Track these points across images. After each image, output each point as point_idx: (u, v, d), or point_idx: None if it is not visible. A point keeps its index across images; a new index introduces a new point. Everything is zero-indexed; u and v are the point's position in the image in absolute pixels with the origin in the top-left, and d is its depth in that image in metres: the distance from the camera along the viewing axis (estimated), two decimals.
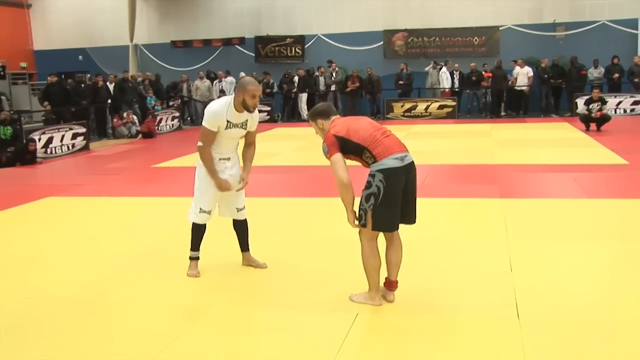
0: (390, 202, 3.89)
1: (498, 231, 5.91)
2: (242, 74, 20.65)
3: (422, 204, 6.70)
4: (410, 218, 4.11)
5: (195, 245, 4.90)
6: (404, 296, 4.20)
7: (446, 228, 6.09)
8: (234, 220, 4.97)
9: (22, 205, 7.98)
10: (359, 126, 4.04)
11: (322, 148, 4.09)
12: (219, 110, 4.55)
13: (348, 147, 3.99)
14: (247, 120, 4.69)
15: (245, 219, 4.98)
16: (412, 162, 4.00)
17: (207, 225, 4.90)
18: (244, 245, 5.06)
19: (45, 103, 16.12)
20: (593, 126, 14.06)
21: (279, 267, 5.01)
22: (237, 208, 4.88)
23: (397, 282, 4.16)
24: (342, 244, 5.26)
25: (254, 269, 4.99)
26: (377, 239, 4.07)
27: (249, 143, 4.92)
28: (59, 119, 15.63)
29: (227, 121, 4.58)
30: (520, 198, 7.39)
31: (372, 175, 3.92)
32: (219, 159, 4.73)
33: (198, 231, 4.87)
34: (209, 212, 4.80)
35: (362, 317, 3.95)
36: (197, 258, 4.93)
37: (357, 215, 4.03)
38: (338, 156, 3.98)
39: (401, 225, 4.08)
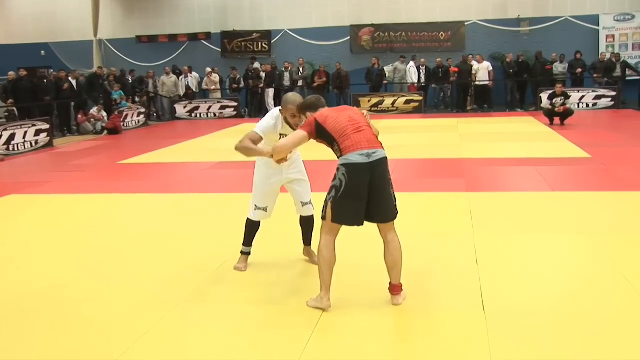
0: (350, 196, 3.85)
1: (464, 224, 5.98)
2: (208, 69, 20.58)
3: None
4: (383, 217, 4.01)
5: (247, 240, 4.89)
6: (370, 289, 4.22)
7: (412, 222, 6.12)
8: (300, 216, 4.91)
9: None
10: (337, 116, 4.02)
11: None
12: (274, 124, 4.50)
13: (323, 134, 3.98)
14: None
15: (312, 215, 4.86)
16: (382, 158, 3.91)
17: (260, 223, 4.87)
18: (307, 240, 5.01)
19: (10, 101, 15.78)
20: (557, 120, 14.30)
21: (250, 263, 4.99)
22: (302, 202, 4.81)
23: (400, 286, 4.03)
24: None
25: (217, 262, 4.99)
26: (335, 235, 3.99)
27: None
28: (25, 116, 15.31)
29: (280, 134, 4.54)
30: (485, 192, 7.48)
31: (337, 169, 3.91)
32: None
33: (251, 227, 4.86)
34: (264, 209, 4.77)
35: (328, 314, 3.95)
36: (248, 253, 4.91)
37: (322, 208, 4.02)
38: (302, 133, 4.01)
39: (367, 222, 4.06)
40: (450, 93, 19.83)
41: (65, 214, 7.18)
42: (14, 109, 15.86)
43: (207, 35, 22.63)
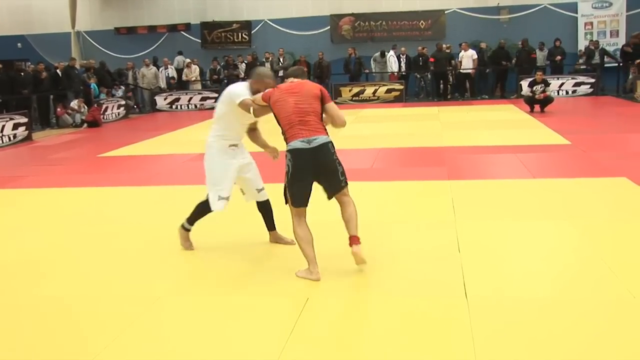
0: (297, 179, 4.26)
1: (446, 212, 5.99)
2: (187, 60, 20.46)
3: (371, 187, 6.77)
4: (333, 190, 4.36)
5: (193, 220, 5.03)
6: (354, 277, 4.23)
7: (395, 210, 6.15)
8: (257, 202, 5.04)
9: None
10: (284, 103, 4.31)
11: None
12: (245, 90, 4.62)
13: (272, 110, 4.38)
14: None
15: (268, 200, 5.04)
16: (323, 144, 4.25)
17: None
18: (270, 225, 5.14)
19: None
20: (537, 107, 14.40)
21: (227, 251, 4.98)
22: (257, 189, 4.98)
23: (357, 237, 4.29)
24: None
25: (197, 252, 5.03)
26: (303, 214, 4.36)
27: (254, 128, 5.05)
28: (2, 109, 15.10)
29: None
30: (467, 179, 7.50)
31: (285, 156, 4.31)
32: (229, 145, 4.80)
33: (204, 212, 4.95)
34: (227, 198, 4.85)
35: (313, 301, 3.96)
36: (189, 230, 5.04)
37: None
38: (259, 96, 4.45)
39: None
40: (430, 82, 19.84)
41: (45, 208, 7.10)
42: None
43: (187, 26, 22.47)
